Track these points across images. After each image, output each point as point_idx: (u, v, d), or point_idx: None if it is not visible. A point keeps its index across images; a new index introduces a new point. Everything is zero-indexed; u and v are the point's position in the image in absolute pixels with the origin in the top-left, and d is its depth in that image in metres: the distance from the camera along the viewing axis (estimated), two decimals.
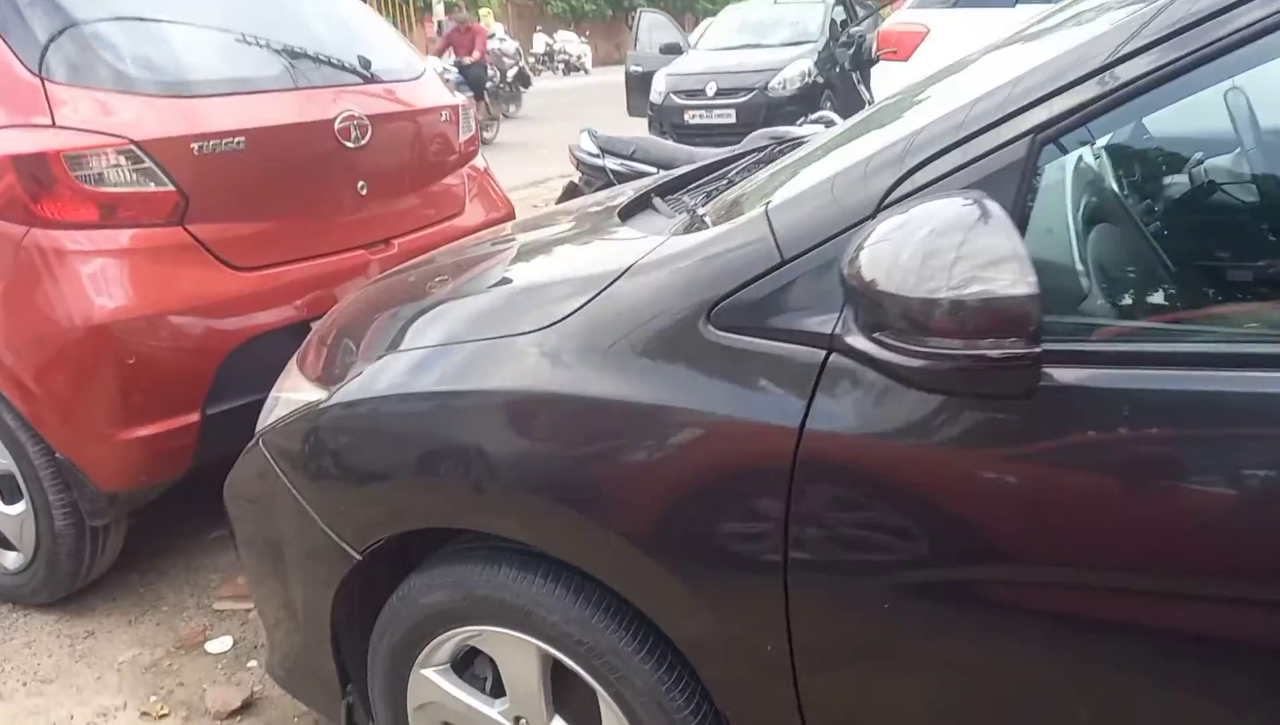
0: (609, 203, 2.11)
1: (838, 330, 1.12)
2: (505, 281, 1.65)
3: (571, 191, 4.59)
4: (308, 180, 2.60)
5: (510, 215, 3.39)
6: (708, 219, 1.47)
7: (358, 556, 1.57)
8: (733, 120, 9.13)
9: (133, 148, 2.20)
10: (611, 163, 4.42)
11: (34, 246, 2.15)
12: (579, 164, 4.57)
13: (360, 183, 2.72)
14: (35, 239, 2.15)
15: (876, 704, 1.23)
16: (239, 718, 2.11)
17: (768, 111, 8.69)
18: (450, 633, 1.55)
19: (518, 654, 1.49)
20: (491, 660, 1.58)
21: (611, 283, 1.33)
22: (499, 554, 1.47)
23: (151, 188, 2.24)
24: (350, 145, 2.67)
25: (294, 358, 1.84)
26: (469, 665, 1.62)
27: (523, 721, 1.54)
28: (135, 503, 2.40)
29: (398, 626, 1.59)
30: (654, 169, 4.34)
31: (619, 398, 1.27)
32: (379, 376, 1.53)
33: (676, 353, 1.24)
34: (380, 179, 2.79)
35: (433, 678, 1.60)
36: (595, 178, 4.52)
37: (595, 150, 4.50)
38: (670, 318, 1.25)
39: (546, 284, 1.50)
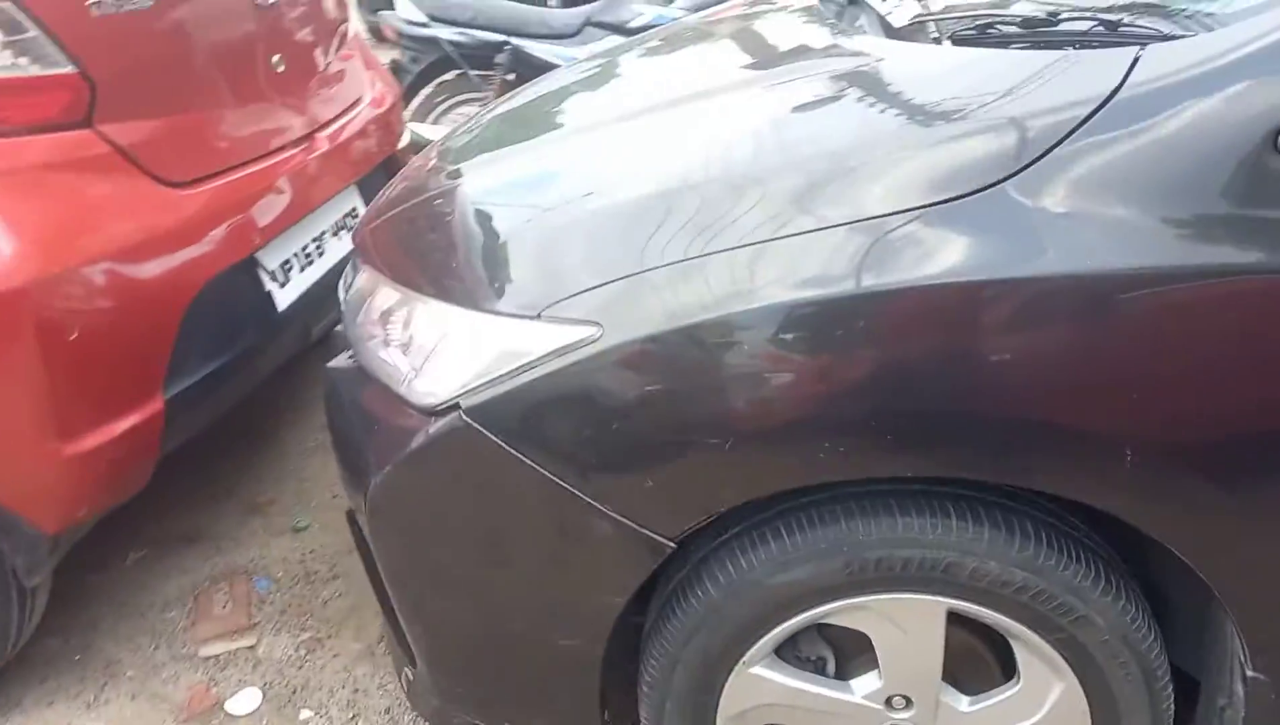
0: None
1: None
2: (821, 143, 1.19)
3: (396, 71, 3.91)
4: (223, 54, 1.91)
5: (399, 95, 2.78)
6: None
7: (671, 545, 1.17)
8: None
9: (9, 4, 1.45)
10: (446, 33, 3.81)
11: None
12: (401, 38, 3.89)
13: (275, 56, 2.05)
14: None
15: None
16: None
17: None
18: (803, 615, 1.21)
19: (911, 621, 1.20)
20: (822, 638, 1.28)
21: (1099, 109, 1.01)
22: (887, 501, 1.15)
23: (45, 70, 1.50)
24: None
25: (427, 295, 1.31)
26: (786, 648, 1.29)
27: (896, 699, 1.26)
28: (75, 539, 1.71)
29: (721, 622, 1.22)
30: (502, 36, 3.81)
31: (1141, 268, 0.99)
32: (689, 291, 1.10)
33: (1233, 195, 0.97)
34: (292, 50, 2.13)
35: (765, 675, 1.26)
36: (425, 52, 3.88)
37: (421, 19, 3.85)
38: (1220, 147, 0.97)
39: (948, 139, 1.11)
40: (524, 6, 3.93)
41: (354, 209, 2.37)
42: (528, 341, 1.17)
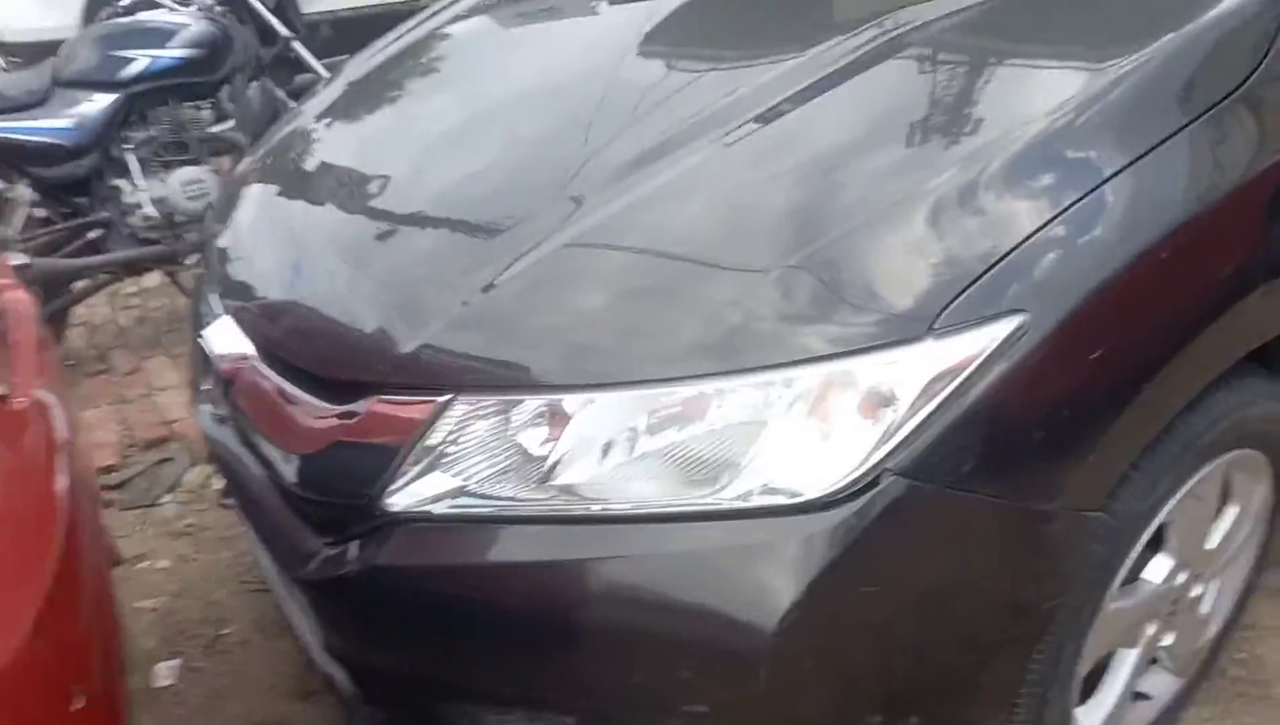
0: None
1: None
2: None
3: None
4: None
5: None
6: None
7: (1103, 514, 1.11)
8: None
9: None
10: None
11: None
12: None
13: None
14: None
15: None
16: None
17: None
18: (1149, 530, 1.24)
19: (1206, 488, 1.32)
20: None
21: None
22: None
23: None
24: None
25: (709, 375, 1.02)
26: None
27: (1177, 572, 1.36)
28: None
29: (1107, 574, 1.21)
30: None
31: None
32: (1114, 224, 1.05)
33: None
34: None
35: (1118, 606, 1.28)
36: None
37: None
38: None
39: None
40: None
41: None
42: (939, 363, 0.98)
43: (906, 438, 0.97)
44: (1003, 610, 1.10)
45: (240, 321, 1.39)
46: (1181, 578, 1.38)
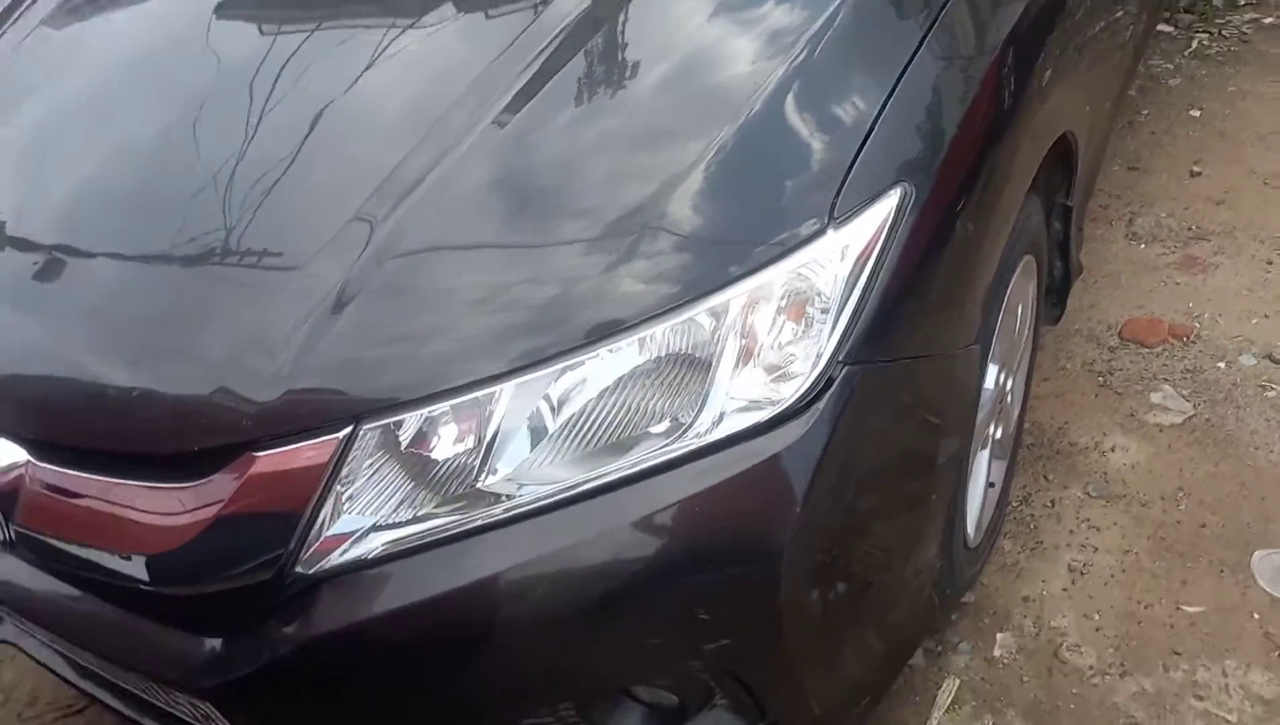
0: None
1: None
2: None
3: None
4: None
5: None
6: None
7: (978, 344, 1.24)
8: None
9: None
10: None
11: None
12: None
13: None
14: None
15: None
16: None
17: None
18: None
19: (1014, 295, 1.50)
20: None
21: None
22: None
23: None
24: None
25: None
26: None
27: (1003, 373, 1.57)
28: None
29: (979, 388, 1.35)
30: None
31: None
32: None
33: None
34: None
35: (981, 416, 1.44)
36: None
37: None
38: None
39: None
40: None
41: None
42: (851, 249, 1.03)
43: (845, 328, 1.02)
44: (939, 446, 1.22)
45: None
46: (1003, 377, 1.59)
